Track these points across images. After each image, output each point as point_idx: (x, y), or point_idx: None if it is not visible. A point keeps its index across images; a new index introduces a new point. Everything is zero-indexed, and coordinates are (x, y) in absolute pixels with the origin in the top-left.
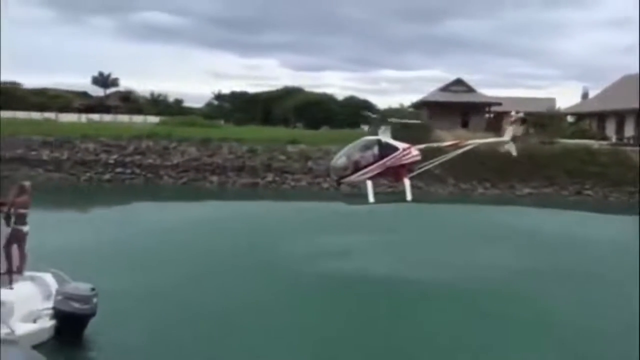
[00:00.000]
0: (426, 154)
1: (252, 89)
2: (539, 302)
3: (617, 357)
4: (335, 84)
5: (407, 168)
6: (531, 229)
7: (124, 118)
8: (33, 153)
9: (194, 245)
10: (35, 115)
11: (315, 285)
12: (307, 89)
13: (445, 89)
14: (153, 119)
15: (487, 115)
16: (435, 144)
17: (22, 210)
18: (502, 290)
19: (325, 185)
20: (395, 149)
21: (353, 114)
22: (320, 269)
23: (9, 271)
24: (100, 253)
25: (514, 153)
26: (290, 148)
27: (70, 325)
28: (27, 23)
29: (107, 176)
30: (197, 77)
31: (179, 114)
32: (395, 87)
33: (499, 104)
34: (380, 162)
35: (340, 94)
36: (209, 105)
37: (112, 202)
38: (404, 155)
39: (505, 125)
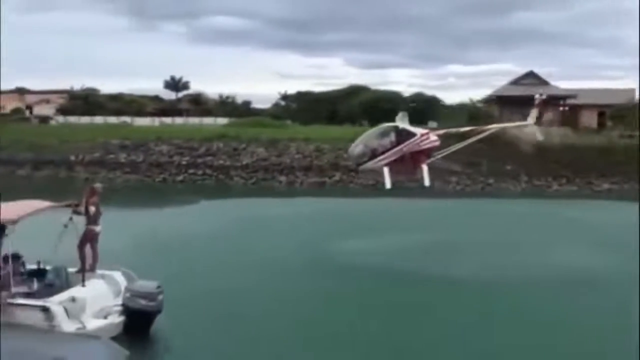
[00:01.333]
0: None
1: (317, 89)
2: None
3: None
4: (402, 81)
5: (425, 154)
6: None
7: (194, 120)
8: (111, 156)
9: (261, 242)
10: (112, 119)
11: (403, 287)
12: (372, 87)
13: (517, 82)
14: (222, 121)
15: (561, 109)
16: (454, 130)
17: (94, 211)
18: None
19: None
20: (413, 134)
21: (420, 111)
22: (402, 268)
23: (82, 269)
24: (167, 250)
25: (540, 137)
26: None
27: (137, 321)
28: (103, 32)
29: (180, 177)
30: (263, 78)
31: (247, 115)
32: (463, 83)
33: (574, 97)
34: (397, 148)
35: (406, 91)
36: (275, 105)
37: (183, 202)
38: (422, 141)
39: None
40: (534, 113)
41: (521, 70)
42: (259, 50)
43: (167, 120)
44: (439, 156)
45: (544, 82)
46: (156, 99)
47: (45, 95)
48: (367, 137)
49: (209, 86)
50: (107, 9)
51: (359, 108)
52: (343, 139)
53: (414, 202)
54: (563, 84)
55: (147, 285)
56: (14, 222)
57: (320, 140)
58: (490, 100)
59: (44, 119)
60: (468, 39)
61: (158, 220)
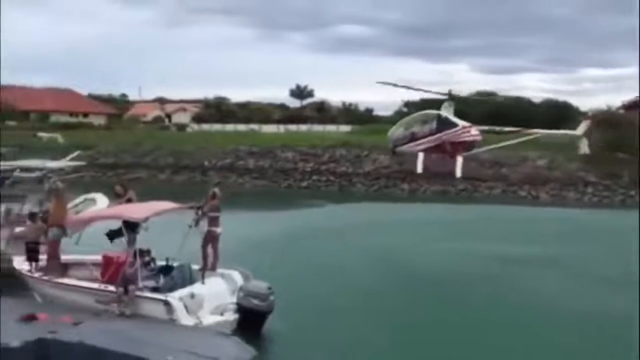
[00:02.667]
0: None
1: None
2: None
3: None
4: (531, 86)
5: (464, 146)
6: None
7: (318, 128)
8: (241, 162)
9: (381, 247)
10: (241, 127)
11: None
12: (500, 92)
13: None
14: (345, 128)
15: None
16: (497, 128)
17: (214, 214)
18: None
19: (523, 193)
20: (454, 125)
21: (552, 117)
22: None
23: (203, 268)
24: (285, 251)
25: (585, 150)
26: (483, 155)
27: (250, 320)
28: (233, 43)
29: (304, 183)
30: (386, 85)
31: (369, 122)
32: (600, 87)
33: None
34: (436, 136)
35: (536, 96)
36: (398, 113)
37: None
38: (462, 133)
39: None
40: (583, 125)
41: None
42: (383, 57)
43: (292, 127)
44: (477, 151)
45: None
46: (282, 106)
47: (182, 104)
48: (409, 121)
49: (333, 94)
50: (236, 22)
51: (487, 115)
52: None
53: (548, 211)
54: None
55: (259, 285)
56: (143, 220)
57: None
58: (631, 106)
59: (181, 127)
60: (606, 40)
61: (288, 221)
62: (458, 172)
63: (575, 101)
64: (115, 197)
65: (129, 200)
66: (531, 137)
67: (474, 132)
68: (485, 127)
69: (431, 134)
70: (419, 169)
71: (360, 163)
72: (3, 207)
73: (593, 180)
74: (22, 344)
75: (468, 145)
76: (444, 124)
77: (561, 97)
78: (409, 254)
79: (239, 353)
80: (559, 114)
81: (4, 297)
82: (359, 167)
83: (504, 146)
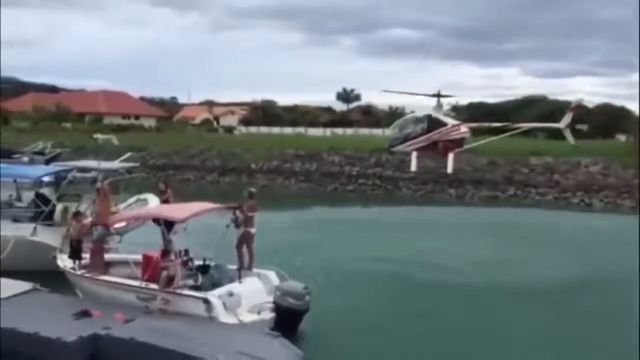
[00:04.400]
0: None
1: (491, 100)
2: None
3: None
4: (584, 90)
5: (456, 143)
6: None
7: (364, 131)
8: (287, 165)
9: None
10: (288, 130)
11: None
12: (550, 97)
13: None
14: (390, 132)
15: None
16: (486, 124)
17: (250, 214)
18: None
19: (575, 200)
20: (444, 124)
21: (606, 122)
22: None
23: (239, 267)
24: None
25: (571, 141)
26: (533, 160)
27: (286, 319)
28: (281, 47)
29: (350, 187)
30: (435, 89)
31: None
32: None
33: None
34: (427, 135)
35: (590, 101)
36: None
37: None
38: (452, 131)
39: None
40: (567, 117)
41: None
42: (432, 61)
43: (338, 131)
44: (468, 147)
45: None
46: (328, 110)
47: (230, 107)
48: (402, 123)
49: (381, 98)
50: (285, 26)
51: (536, 120)
52: (518, 151)
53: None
54: None
55: (295, 285)
56: (183, 220)
57: (493, 152)
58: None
59: (229, 129)
60: None
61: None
62: (449, 169)
63: (631, 106)
64: (160, 194)
65: (167, 200)
66: (516, 131)
67: (463, 129)
68: (475, 124)
69: (423, 133)
70: (414, 167)
71: (406, 167)
72: (60, 206)
73: None
74: (78, 339)
75: (458, 142)
76: (435, 124)
77: (616, 102)
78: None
79: (287, 354)
80: (612, 118)
81: (59, 293)
82: (405, 171)
83: (492, 141)
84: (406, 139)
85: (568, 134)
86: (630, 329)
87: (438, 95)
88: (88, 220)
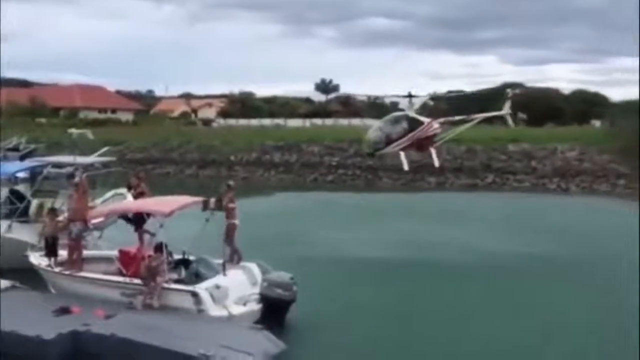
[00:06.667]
0: None
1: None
2: None
3: None
4: (561, 77)
5: (431, 139)
6: None
7: (343, 122)
8: (266, 157)
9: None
10: (267, 122)
11: None
12: (528, 84)
13: None
14: (370, 122)
15: None
16: (450, 118)
17: (231, 206)
18: None
19: (552, 186)
20: (422, 123)
21: (582, 108)
22: None
23: (228, 260)
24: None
25: (512, 126)
26: (511, 147)
27: (274, 309)
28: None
29: (330, 177)
30: (415, 79)
31: None
32: (632, 78)
33: None
34: (410, 135)
35: (566, 87)
36: (423, 106)
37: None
38: (428, 128)
39: None
40: (507, 105)
41: None
42: (411, 50)
43: (317, 121)
44: (440, 142)
45: None
46: (307, 101)
47: (208, 99)
48: (381, 125)
49: (360, 88)
50: (263, 18)
51: (513, 107)
52: (496, 139)
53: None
54: None
55: (282, 276)
56: (168, 215)
57: (471, 140)
58: None
59: (207, 122)
60: (636, 29)
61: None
62: (436, 163)
63: (606, 92)
64: (130, 188)
65: (142, 193)
66: (473, 122)
67: (435, 125)
68: (442, 120)
69: (405, 133)
70: (406, 167)
71: (385, 157)
72: (35, 202)
73: (625, 172)
74: (57, 335)
75: (432, 138)
76: (414, 123)
77: (592, 88)
78: None
79: (270, 347)
80: (588, 104)
81: (38, 291)
82: (385, 160)
83: (459, 133)
84: (389, 140)
85: (509, 119)
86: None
87: (409, 96)
88: (64, 216)
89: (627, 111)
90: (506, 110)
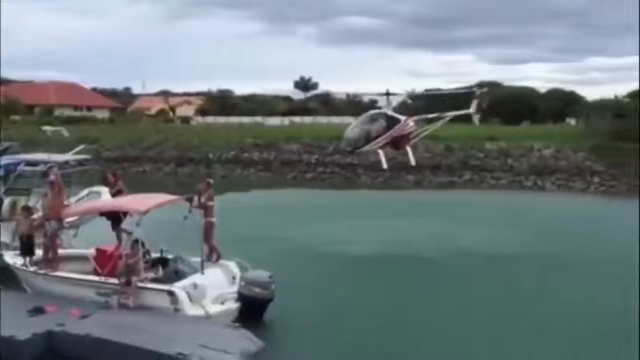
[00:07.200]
0: None
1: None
2: None
3: None
4: (537, 76)
5: (407, 137)
6: None
7: (322, 120)
8: (245, 155)
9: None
10: (246, 119)
11: None
12: (505, 82)
13: None
14: (349, 120)
15: None
16: (424, 116)
17: (209, 203)
18: None
19: (529, 183)
20: (399, 120)
21: (557, 107)
22: None
23: (206, 258)
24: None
25: (476, 123)
26: (488, 145)
27: (252, 308)
28: (239, 37)
29: (309, 175)
30: (393, 77)
31: None
32: (607, 77)
33: None
34: (389, 133)
35: (542, 86)
36: (402, 104)
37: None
38: (405, 126)
39: None
40: (474, 103)
41: None
42: (389, 49)
43: (296, 119)
44: (416, 140)
45: None
46: (286, 99)
47: (187, 97)
48: (360, 123)
49: (339, 86)
50: (242, 16)
51: (490, 105)
52: (474, 137)
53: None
54: None
55: (261, 274)
56: (144, 213)
57: (449, 138)
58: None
59: (185, 120)
60: (612, 29)
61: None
62: (412, 161)
63: (582, 90)
64: (106, 185)
65: (120, 191)
66: (445, 119)
67: (411, 123)
68: (416, 117)
69: (384, 131)
70: (385, 165)
71: (366, 155)
72: (8, 200)
73: (600, 169)
74: (31, 336)
75: (410, 135)
76: (391, 121)
77: (568, 87)
78: None
79: (248, 345)
80: (563, 103)
81: (13, 291)
82: (364, 158)
83: (432, 131)
84: (368, 138)
85: (475, 117)
86: None
87: (387, 94)
88: (38, 214)
89: (601, 109)
90: (473, 108)
